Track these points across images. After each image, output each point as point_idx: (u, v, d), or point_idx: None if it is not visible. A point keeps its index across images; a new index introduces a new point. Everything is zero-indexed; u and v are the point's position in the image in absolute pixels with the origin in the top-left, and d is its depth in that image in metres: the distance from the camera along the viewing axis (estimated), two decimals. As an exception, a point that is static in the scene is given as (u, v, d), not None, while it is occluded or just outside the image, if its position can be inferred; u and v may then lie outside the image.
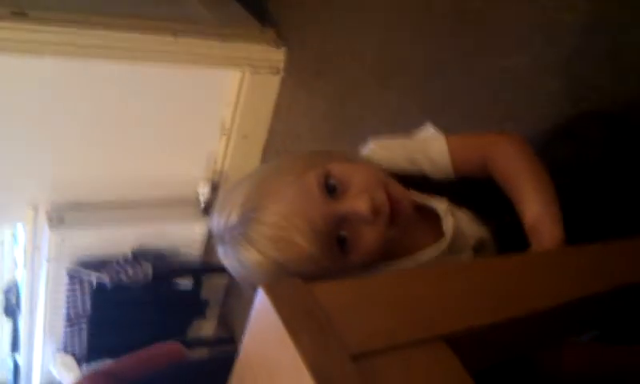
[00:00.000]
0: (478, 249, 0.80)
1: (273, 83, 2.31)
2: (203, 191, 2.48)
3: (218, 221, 0.73)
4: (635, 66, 1.19)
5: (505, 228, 0.80)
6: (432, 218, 0.80)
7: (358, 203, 0.68)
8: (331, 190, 0.69)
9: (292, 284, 0.41)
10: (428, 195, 0.81)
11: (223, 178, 2.51)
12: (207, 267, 2.54)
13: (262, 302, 0.39)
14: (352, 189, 0.70)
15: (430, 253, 0.77)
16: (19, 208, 2.32)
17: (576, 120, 1.20)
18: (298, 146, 2.29)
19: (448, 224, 0.78)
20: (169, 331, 2.59)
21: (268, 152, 2.47)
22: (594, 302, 0.47)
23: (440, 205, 0.80)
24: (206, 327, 2.89)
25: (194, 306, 2.65)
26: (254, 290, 0.73)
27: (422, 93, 1.71)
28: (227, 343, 2.75)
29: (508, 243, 0.80)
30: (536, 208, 0.71)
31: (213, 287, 2.69)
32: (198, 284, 2.54)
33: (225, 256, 0.73)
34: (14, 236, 2.93)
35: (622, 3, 1.20)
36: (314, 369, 0.35)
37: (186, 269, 2.50)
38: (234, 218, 0.69)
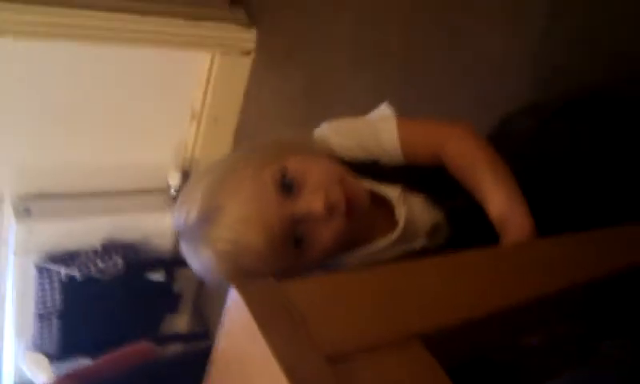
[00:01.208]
0: (432, 233, 0.80)
1: (243, 65, 2.26)
2: (174, 179, 2.44)
3: (178, 218, 0.74)
4: (608, 48, 1.20)
5: (458, 210, 0.81)
6: (385, 206, 0.81)
7: (313, 203, 0.69)
8: (287, 187, 0.70)
9: (265, 283, 0.40)
10: (381, 183, 0.82)
11: (194, 164, 2.47)
12: (180, 259, 2.49)
13: (235, 300, 0.39)
14: (308, 186, 0.70)
15: (384, 242, 0.78)
16: (-18, 200, 2.26)
17: (544, 104, 1.21)
18: (270, 129, 2.25)
19: (400, 213, 0.79)
20: (141, 326, 2.54)
21: (240, 136, 2.43)
22: (569, 295, 0.47)
23: (393, 193, 0.80)
24: (180, 321, 2.85)
25: (167, 299, 2.61)
26: (218, 286, 0.74)
27: (399, 77, 1.71)
28: (201, 338, 2.72)
29: (462, 226, 0.80)
30: (500, 201, 0.71)
31: (186, 280, 2.66)
32: (170, 277, 2.50)
33: (186, 252, 0.75)
34: (-21, 230, 2.85)
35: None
36: (288, 369, 0.34)
37: (157, 261, 2.46)
38: (192, 216, 0.71)
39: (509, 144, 0.95)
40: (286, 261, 0.69)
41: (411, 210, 0.80)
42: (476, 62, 1.47)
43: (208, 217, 0.69)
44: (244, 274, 0.69)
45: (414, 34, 1.65)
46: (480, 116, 1.42)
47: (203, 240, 0.70)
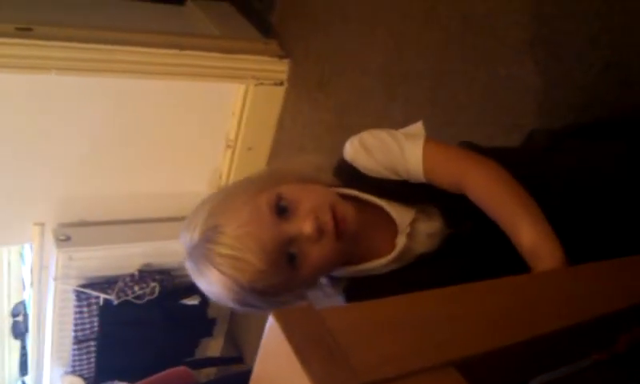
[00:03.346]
0: (421, 255, 0.84)
1: (277, 95, 2.32)
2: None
3: (184, 238, 0.79)
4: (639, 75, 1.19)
5: (461, 236, 0.83)
6: (392, 227, 0.84)
7: (304, 225, 0.75)
8: (282, 210, 0.76)
9: (302, 310, 0.41)
10: (398, 203, 0.84)
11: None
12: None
13: (272, 328, 0.39)
14: (300, 210, 0.76)
15: (379, 262, 0.83)
16: (26, 227, 2.32)
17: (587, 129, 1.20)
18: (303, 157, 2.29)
19: (400, 241, 0.82)
20: (177, 351, 2.58)
21: (273, 164, 2.48)
22: (604, 322, 0.47)
23: (404, 217, 0.84)
24: (214, 346, 2.87)
25: (202, 324, 2.65)
26: (225, 303, 0.77)
27: (429, 103, 1.72)
28: (235, 362, 2.74)
29: (458, 250, 0.83)
30: (530, 232, 0.73)
31: (220, 305, 2.67)
32: (205, 302, 2.53)
33: (191, 271, 0.79)
34: (22, 256, 2.94)
35: (628, 14, 1.21)
36: (326, 396, 0.35)
37: (192, 287, 2.48)
38: (195, 236, 0.77)
39: (521, 158, 0.95)
40: (280, 278, 0.75)
41: (414, 239, 0.83)
42: (508, 86, 1.47)
43: (209, 236, 0.75)
44: (246, 290, 0.75)
45: (446, 61, 1.66)
46: (515, 141, 1.41)
47: (206, 258, 0.75)
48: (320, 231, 0.75)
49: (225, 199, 0.79)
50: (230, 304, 0.79)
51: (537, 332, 0.43)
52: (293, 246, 0.75)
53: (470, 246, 0.82)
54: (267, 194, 0.77)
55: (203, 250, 0.76)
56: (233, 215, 0.75)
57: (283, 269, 0.75)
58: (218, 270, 0.74)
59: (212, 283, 0.77)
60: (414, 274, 0.82)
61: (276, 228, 0.74)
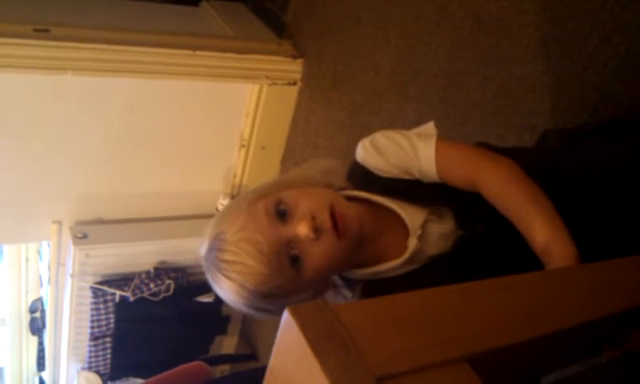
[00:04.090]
0: (434, 256, 0.85)
1: (290, 94, 2.34)
2: (223, 204, 2.50)
3: (200, 250, 0.83)
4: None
5: (473, 238, 0.84)
6: (405, 229, 0.85)
7: (299, 226, 0.76)
8: (282, 214, 0.77)
9: (317, 305, 0.42)
10: (410, 204, 0.85)
11: (242, 190, 2.53)
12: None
13: (287, 324, 0.40)
14: (297, 212, 0.77)
15: (391, 264, 0.83)
16: (44, 225, 2.36)
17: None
18: (316, 156, 2.30)
19: (411, 243, 0.83)
20: (191, 347, 2.60)
21: (286, 163, 2.50)
22: (617, 320, 0.47)
23: (416, 219, 0.84)
24: (228, 343, 2.90)
25: (216, 321, 2.67)
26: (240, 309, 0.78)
27: (441, 102, 1.72)
28: (249, 360, 2.76)
29: (467, 253, 0.84)
30: (544, 231, 0.73)
31: (234, 303, 2.70)
32: (219, 299, 2.55)
33: (209, 280, 0.82)
34: (39, 253, 2.99)
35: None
36: (340, 389, 0.35)
37: (207, 284, 2.50)
38: (205, 246, 0.81)
39: (536, 158, 0.95)
40: (287, 279, 0.76)
41: (426, 240, 0.84)
42: (521, 86, 1.47)
43: (214, 245, 0.78)
44: (254, 295, 0.76)
45: (458, 61, 1.66)
46: (528, 141, 1.41)
47: (213, 266, 0.78)
48: (317, 231, 0.76)
49: (230, 208, 0.82)
50: (245, 310, 0.81)
51: (549, 329, 0.44)
52: (294, 248, 0.76)
53: (483, 247, 0.82)
54: (267, 198, 0.79)
55: (211, 258, 0.79)
56: (232, 222, 0.78)
57: (287, 271, 0.76)
58: (225, 276, 0.77)
59: (224, 290, 0.79)
60: (427, 276, 0.83)
61: (273, 231, 0.76)
